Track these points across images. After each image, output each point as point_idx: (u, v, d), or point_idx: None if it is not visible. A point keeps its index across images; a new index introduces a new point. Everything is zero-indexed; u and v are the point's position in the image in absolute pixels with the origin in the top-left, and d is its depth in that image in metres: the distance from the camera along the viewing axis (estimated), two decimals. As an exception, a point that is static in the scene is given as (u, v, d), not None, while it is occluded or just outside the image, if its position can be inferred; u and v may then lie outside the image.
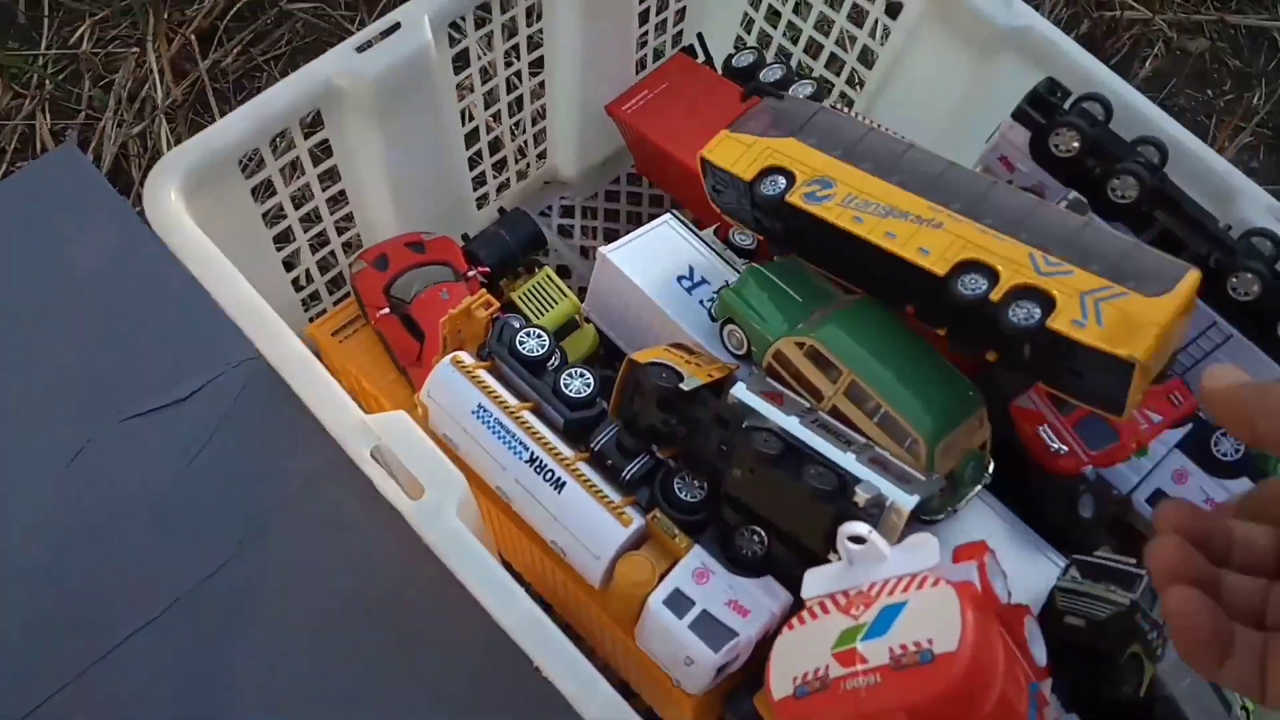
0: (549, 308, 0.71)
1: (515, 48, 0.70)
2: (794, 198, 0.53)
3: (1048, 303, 0.47)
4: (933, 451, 0.50)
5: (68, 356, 0.70)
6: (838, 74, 0.80)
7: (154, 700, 0.62)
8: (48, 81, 0.82)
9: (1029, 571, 0.54)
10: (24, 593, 0.63)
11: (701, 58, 0.80)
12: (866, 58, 0.77)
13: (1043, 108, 0.60)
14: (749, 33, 0.84)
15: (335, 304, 0.72)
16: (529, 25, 0.70)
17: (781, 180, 0.55)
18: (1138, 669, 0.50)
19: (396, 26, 0.60)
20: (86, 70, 0.83)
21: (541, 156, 0.83)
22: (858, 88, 0.79)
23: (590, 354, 0.68)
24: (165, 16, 0.85)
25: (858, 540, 0.44)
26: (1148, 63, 1.01)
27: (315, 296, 0.71)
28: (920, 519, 0.50)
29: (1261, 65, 1.06)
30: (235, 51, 0.84)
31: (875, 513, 0.49)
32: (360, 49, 0.59)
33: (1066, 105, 0.62)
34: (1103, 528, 0.56)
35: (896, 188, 0.53)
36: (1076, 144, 0.59)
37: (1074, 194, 0.61)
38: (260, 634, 0.64)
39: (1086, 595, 0.52)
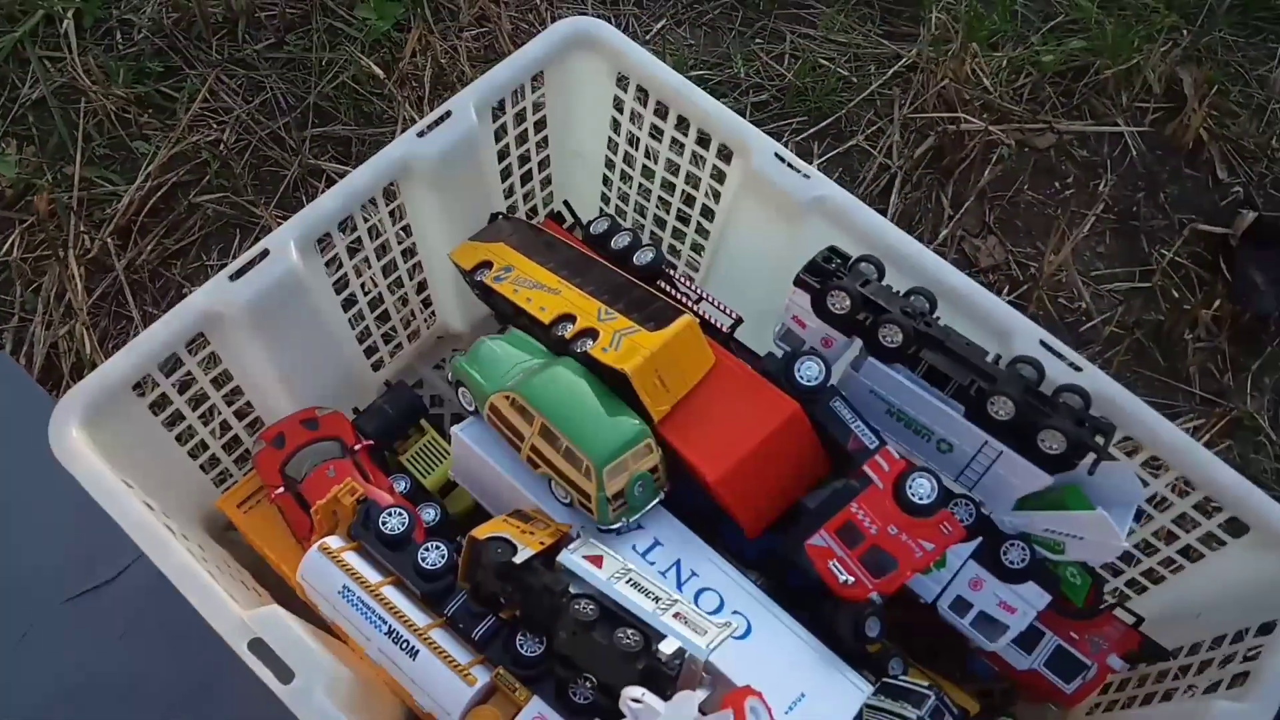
0: (434, 467, 0.81)
1: (385, 245, 0.80)
2: (487, 279, 0.75)
3: (596, 336, 0.66)
4: (600, 472, 0.62)
5: (10, 553, 0.79)
6: (682, 241, 0.89)
7: None
8: (-16, 289, 0.93)
9: (836, 690, 0.63)
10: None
11: (569, 221, 0.90)
12: (704, 227, 0.87)
13: (819, 273, 0.70)
14: (608, 203, 0.93)
15: (245, 474, 0.81)
16: (394, 222, 0.80)
17: (486, 269, 0.75)
18: (925, 780, 0.59)
19: (265, 254, 0.70)
20: (18, 276, 0.93)
21: (431, 315, 0.92)
22: (706, 239, 0.89)
23: (472, 508, 0.77)
24: (87, 215, 0.95)
25: (636, 700, 0.52)
26: (986, 166, 1.11)
27: (226, 474, 0.81)
28: (600, 529, 0.65)
29: (1105, 153, 1.16)
30: (150, 245, 0.94)
31: (677, 663, 0.58)
32: (233, 278, 0.69)
33: (849, 264, 0.72)
34: (887, 644, 0.65)
35: (545, 269, 0.74)
36: (848, 303, 0.69)
37: (856, 341, 0.70)
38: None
39: (885, 711, 0.61)
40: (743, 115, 0.79)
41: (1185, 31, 1.20)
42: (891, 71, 1.16)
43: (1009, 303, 0.97)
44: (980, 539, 0.70)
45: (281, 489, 0.75)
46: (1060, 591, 0.72)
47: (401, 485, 0.77)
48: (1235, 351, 1.04)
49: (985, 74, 1.13)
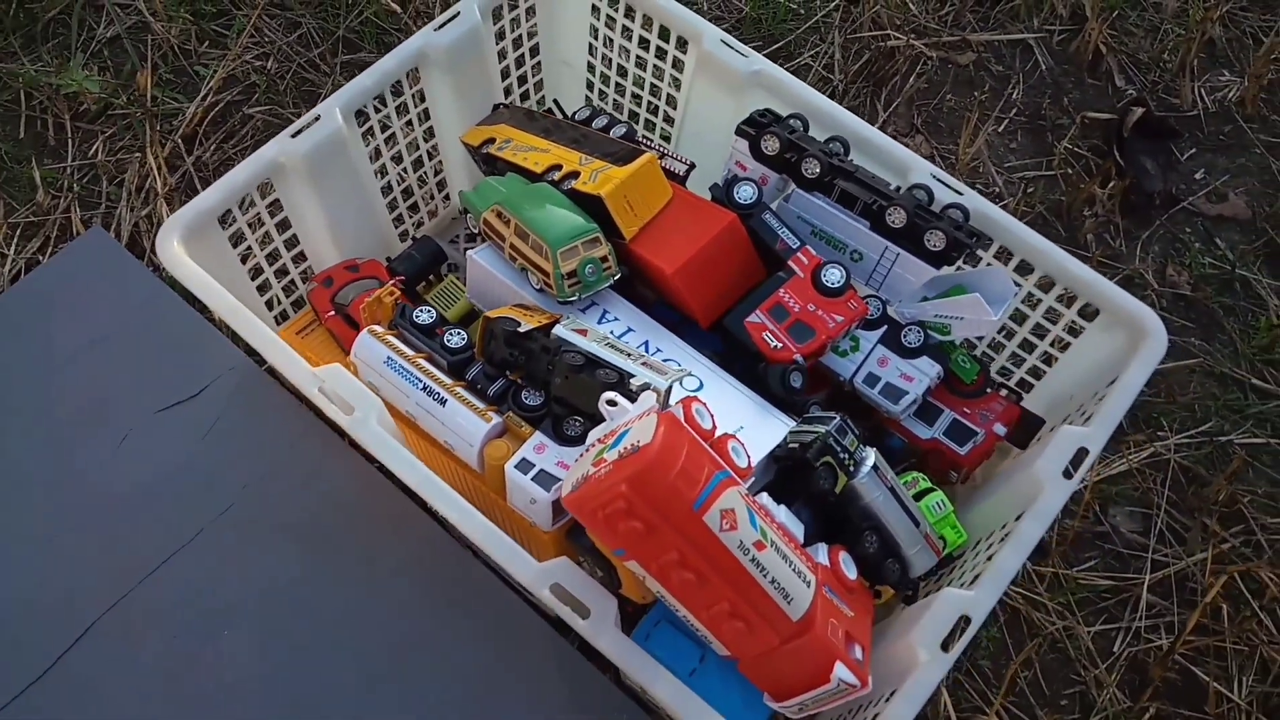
0: (453, 303, 0.99)
1: (410, 123, 0.99)
2: (491, 150, 0.94)
3: (576, 176, 0.85)
4: (555, 254, 0.80)
5: (111, 376, 0.97)
6: (653, 131, 1.08)
7: (205, 597, 0.88)
8: (75, 185, 1.11)
9: (767, 424, 0.81)
10: (92, 523, 0.90)
11: (560, 116, 1.08)
12: (670, 115, 1.06)
13: (755, 125, 0.89)
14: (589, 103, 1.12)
15: (300, 313, 1.00)
16: (416, 105, 0.98)
17: (490, 144, 0.94)
18: (831, 474, 0.76)
19: (318, 118, 0.89)
20: (104, 173, 1.12)
21: (445, 198, 1.11)
22: (672, 125, 1.08)
23: (482, 332, 0.96)
24: (157, 128, 1.14)
25: (611, 403, 0.71)
26: (914, 78, 1.30)
27: (285, 315, 0.99)
28: (559, 302, 0.83)
29: (1018, 66, 1.35)
30: (212, 148, 1.14)
31: (653, 391, 0.76)
32: (293, 135, 0.88)
33: (782, 120, 0.90)
34: (806, 392, 0.83)
35: (540, 138, 0.93)
36: (777, 145, 0.87)
37: (783, 176, 0.89)
38: (257, 551, 0.90)
39: (802, 432, 0.79)
40: None
41: (1087, -37, 1.39)
42: (835, 3, 1.35)
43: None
44: (885, 326, 0.88)
45: (333, 313, 0.94)
46: (952, 371, 0.90)
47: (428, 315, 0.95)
48: (1127, 224, 1.22)
49: (911, 2, 1.32)
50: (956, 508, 0.88)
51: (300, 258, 0.98)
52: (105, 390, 0.97)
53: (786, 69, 0.99)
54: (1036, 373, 0.96)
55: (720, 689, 0.76)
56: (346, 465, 0.90)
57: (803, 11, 1.34)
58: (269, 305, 0.97)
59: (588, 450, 0.70)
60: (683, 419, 0.69)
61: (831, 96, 1.27)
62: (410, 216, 1.07)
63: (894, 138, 0.95)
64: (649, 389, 0.75)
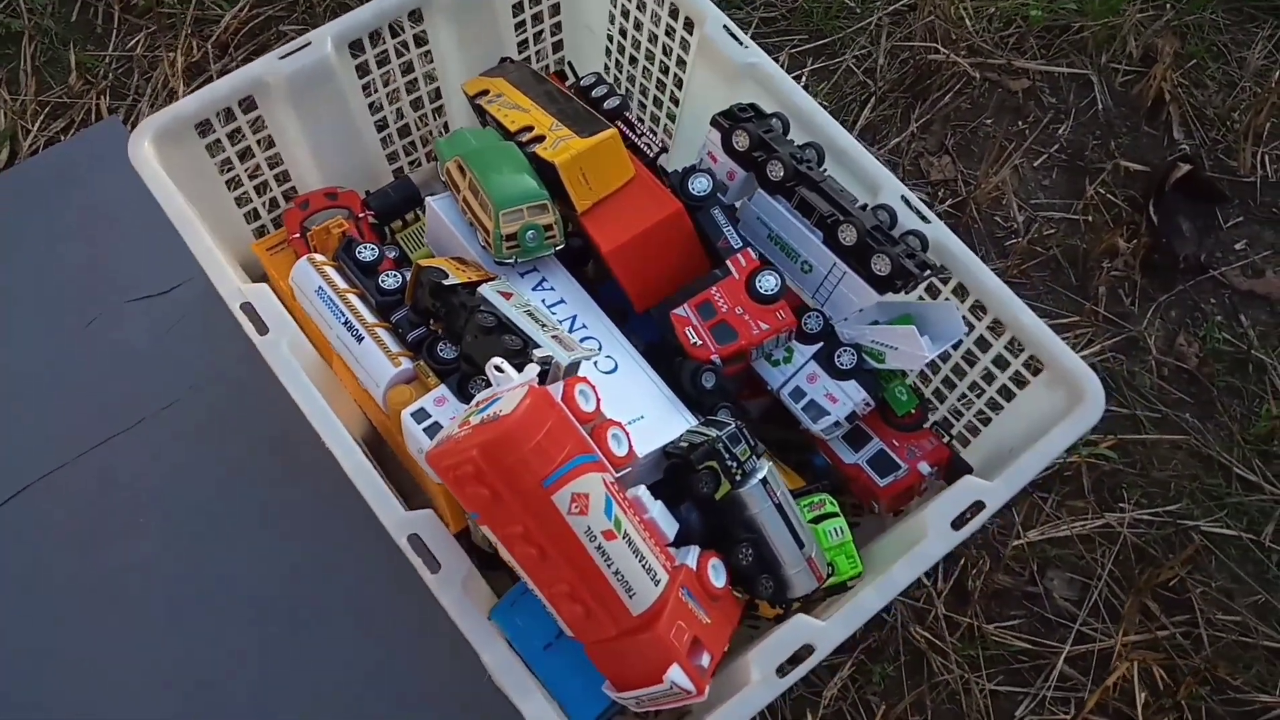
0: (420, 246, 1.01)
1: (410, 63, 1.00)
2: (482, 101, 0.94)
3: (542, 141, 0.85)
4: (498, 214, 0.81)
5: (93, 260, 1.02)
6: (660, 109, 1.08)
7: (133, 483, 0.93)
8: (110, 75, 1.17)
9: (669, 420, 0.80)
10: (42, 394, 0.95)
11: (571, 80, 1.08)
12: (676, 96, 1.05)
13: (730, 118, 0.87)
14: (608, 73, 1.12)
15: (277, 231, 1.03)
16: (419, 45, 1.00)
17: (484, 95, 0.95)
18: (713, 479, 0.76)
19: (308, 44, 0.91)
20: (137, 67, 1.17)
21: (448, 142, 1.12)
22: (677, 106, 1.07)
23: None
24: (195, 32, 1.18)
25: (498, 369, 0.71)
26: (955, 96, 1.25)
27: (264, 229, 1.03)
28: (495, 262, 0.84)
29: (1072, 101, 1.29)
30: (241, 58, 1.17)
31: (547, 366, 0.76)
32: (282, 57, 0.90)
33: (762, 117, 0.89)
34: (720, 396, 0.82)
35: (526, 97, 0.93)
36: (747, 142, 0.86)
37: (748, 174, 0.88)
38: (190, 448, 0.95)
39: (696, 433, 0.79)
40: (748, 27, 0.96)
41: (1170, 6, 1.31)
42: (892, 8, 1.31)
43: (944, 210, 1.13)
44: (822, 344, 0.86)
45: (298, 235, 0.96)
46: (885, 401, 0.88)
47: (392, 253, 0.97)
48: (1146, 284, 1.17)
49: (970, 18, 1.27)
50: (867, 540, 0.86)
51: (285, 177, 1.00)
52: (85, 272, 1.02)
53: (825, 67, 0.97)
54: (985, 419, 0.93)
55: (570, 668, 0.76)
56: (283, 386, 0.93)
57: (858, 10, 1.31)
58: (255, 217, 1.00)
59: (464, 411, 0.71)
60: (561, 397, 0.69)
61: (865, 103, 1.24)
62: (408, 154, 1.09)
63: (919, 154, 0.92)
64: (547, 362, 0.75)
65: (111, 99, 1.16)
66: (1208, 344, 1.13)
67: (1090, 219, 1.19)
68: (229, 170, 0.95)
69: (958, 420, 0.95)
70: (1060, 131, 1.25)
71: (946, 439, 0.90)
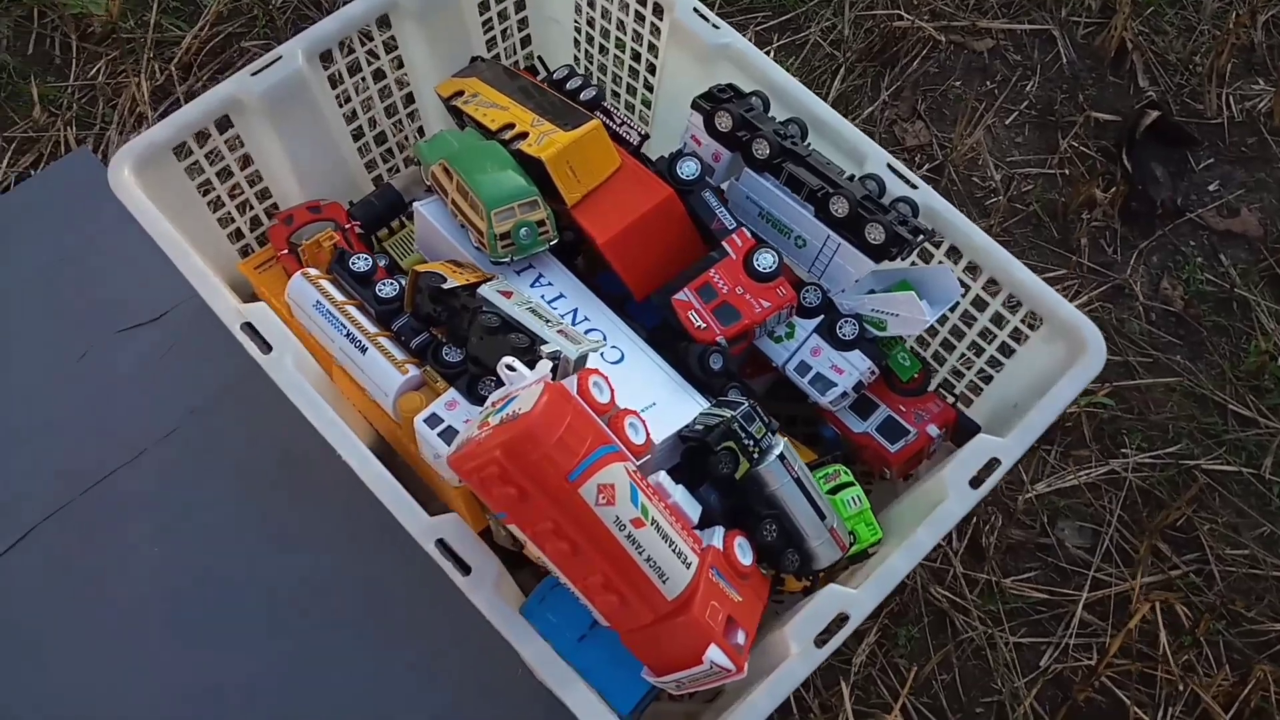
0: (408, 253, 1.00)
1: (381, 70, 1.00)
2: (457, 102, 0.93)
3: (525, 137, 0.85)
4: (490, 214, 0.81)
5: (79, 292, 1.01)
6: (635, 96, 1.07)
7: (140, 515, 0.92)
8: (74, 104, 1.15)
9: (681, 404, 0.81)
10: (40, 432, 0.94)
11: (542, 74, 1.08)
12: (649, 82, 1.04)
13: (712, 100, 0.87)
14: (579, 65, 1.12)
15: (263, 248, 1.02)
16: (389, 51, 0.99)
17: (459, 96, 0.93)
18: (732, 459, 0.76)
19: (279, 59, 0.90)
20: (101, 95, 1.15)
21: (425, 147, 1.11)
22: (652, 93, 1.06)
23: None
24: (156, 55, 1.17)
25: (510, 368, 0.71)
26: (923, 61, 1.26)
27: (249, 248, 1.01)
28: (491, 262, 0.84)
29: (1037, 57, 1.30)
30: (205, 78, 1.16)
31: (556, 361, 0.76)
32: (253, 74, 0.89)
33: (742, 97, 0.89)
34: (729, 377, 0.82)
35: (503, 94, 0.92)
36: (729, 122, 0.86)
37: (734, 153, 0.88)
38: (194, 475, 0.94)
39: (710, 414, 0.79)
40: (712, 6, 0.96)
41: (1125, -45, 1.33)
42: (853, -22, 1.32)
43: (923, 175, 1.14)
44: (823, 316, 0.87)
45: (286, 251, 0.95)
46: (890, 368, 0.89)
47: (383, 262, 0.96)
48: (1126, 232, 1.18)
49: (931, -20, 1.28)
50: (887, 506, 0.87)
51: (266, 194, 0.99)
52: (72, 305, 1.01)
53: (791, 41, 0.97)
54: (986, 378, 0.94)
55: (607, 657, 0.77)
56: (287, 402, 0.92)
57: (818, -17, 1.31)
58: (239, 236, 0.99)
59: (481, 412, 0.71)
60: (576, 391, 0.69)
61: (835, 74, 1.25)
62: (385, 161, 1.08)
63: (893, 121, 0.92)
64: (556, 357, 0.75)
65: (78, 129, 1.14)
66: (1191, 286, 1.15)
67: (1066, 172, 1.20)
68: (209, 191, 0.94)
69: (958, 381, 0.96)
70: (1028, 88, 1.27)
71: (951, 400, 0.91)
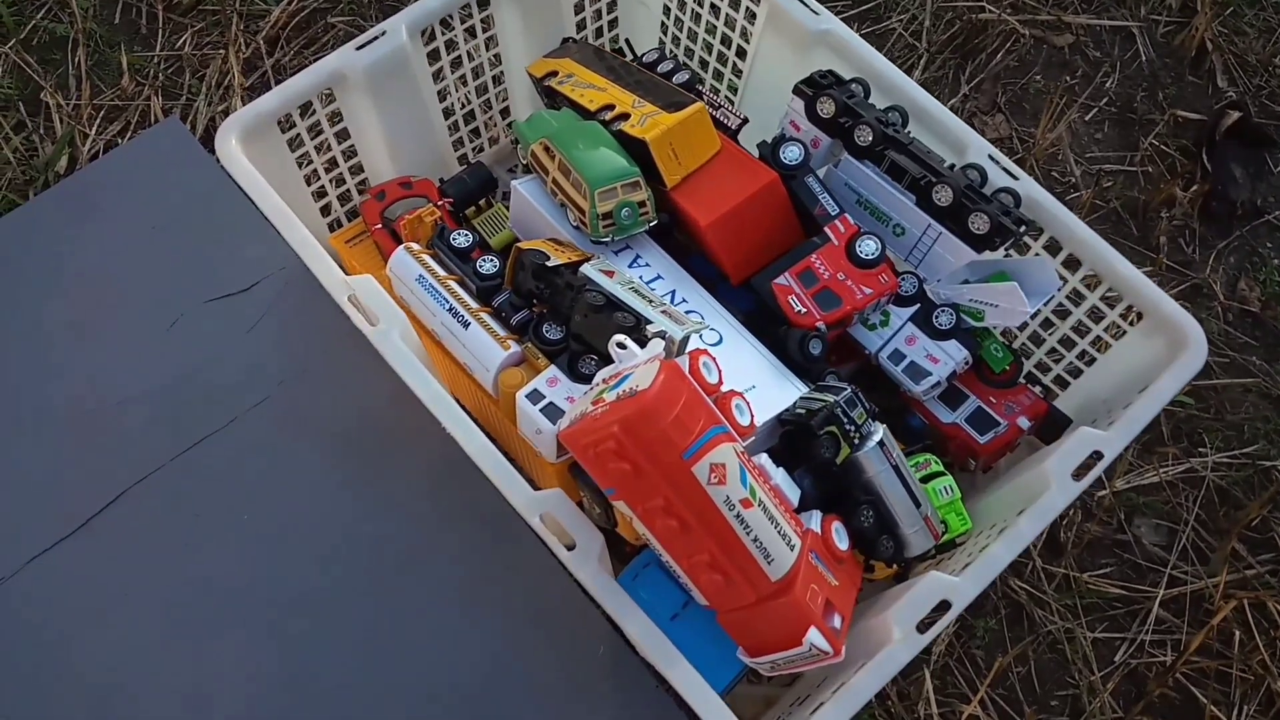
0: (498, 230, 1.01)
1: (476, 48, 1.00)
2: (553, 83, 0.94)
3: (627, 118, 0.85)
4: (593, 194, 0.81)
5: (169, 261, 1.02)
6: (721, 81, 1.07)
7: (230, 482, 0.93)
8: (160, 74, 1.16)
9: (780, 388, 0.81)
10: (131, 399, 0.95)
11: (630, 56, 1.08)
12: (738, 67, 1.05)
13: (813, 86, 0.87)
14: (662, 46, 1.12)
15: (352, 223, 1.03)
16: (485, 30, 0.99)
17: (553, 77, 0.94)
18: (834, 444, 0.76)
19: (383, 33, 0.90)
20: (188, 66, 1.16)
21: (510, 126, 1.12)
22: (740, 78, 1.07)
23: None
24: (244, 28, 1.17)
25: (621, 345, 0.72)
26: (1004, 54, 1.26)
27: (338, 222, 1.02)
28: (592, 241, 0.84)
29: (1116, 54, 1.29)
30: (292, 52, 1.17)
31: (664, 340, 0.77)
32: (359, 48, 0.90)
33: (842, 84, 0.89)
34: (828, 363, 0.83)
35: (598, 75, 0.92)
36: (832, 109, 0.86)
37: (834, 140, 0.88)
38: (285, 445, 0.94)
39: (811, 399, 0.79)
40: None
41: (1208, -46, 1.32)
42: (934, -31, 1.31)
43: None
44: (919, 305, 0.87)
45: (380, 226, 0.96)
46: (982, 359, 0.89)
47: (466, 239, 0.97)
48: (1205, 231, 1.18)
49: (1013, -27, 1.28)
50: (970, 496, 0.87)
51: (358, 169, 1.00)
52: (163, 274, 1.02)
53: (871, 32, 0.97)
54: (1075, 371, 0.94)
55: (698, 636, 0.77)
56: (379, 375, 0.93)
57: (899, -26, 1.31)
58: (326, 211, 1.00)
59: (592, 389, 0.72)
60: (687, 370, 0.70)
61: (915, 65, 1.24)
62: (471, 141, 1.09)
63: (973, 114, 0.92)
64: (663, 336, 0.76)
65: (164, 99, 1.15)
66: (1268, 287, 1.15)
67: (1148, 170, 1.20)
68: (306, 164, 0.95)
69: (1045, 375, 0.96)
70: (1108, 85, 1.26)
71: (1041, 393, 0.91)
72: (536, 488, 0.74)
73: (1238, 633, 0.96)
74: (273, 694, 0.85)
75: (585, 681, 0.87)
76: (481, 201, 1.03)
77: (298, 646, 0.86)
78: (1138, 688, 0.95)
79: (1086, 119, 1.23)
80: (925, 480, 0.84)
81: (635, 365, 0.70)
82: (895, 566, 0.82)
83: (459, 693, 0.85)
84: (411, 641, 0.86)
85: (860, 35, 1.15)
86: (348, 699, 0.85)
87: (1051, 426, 0.90)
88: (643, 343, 0.73)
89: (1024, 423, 0.88)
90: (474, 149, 1.10)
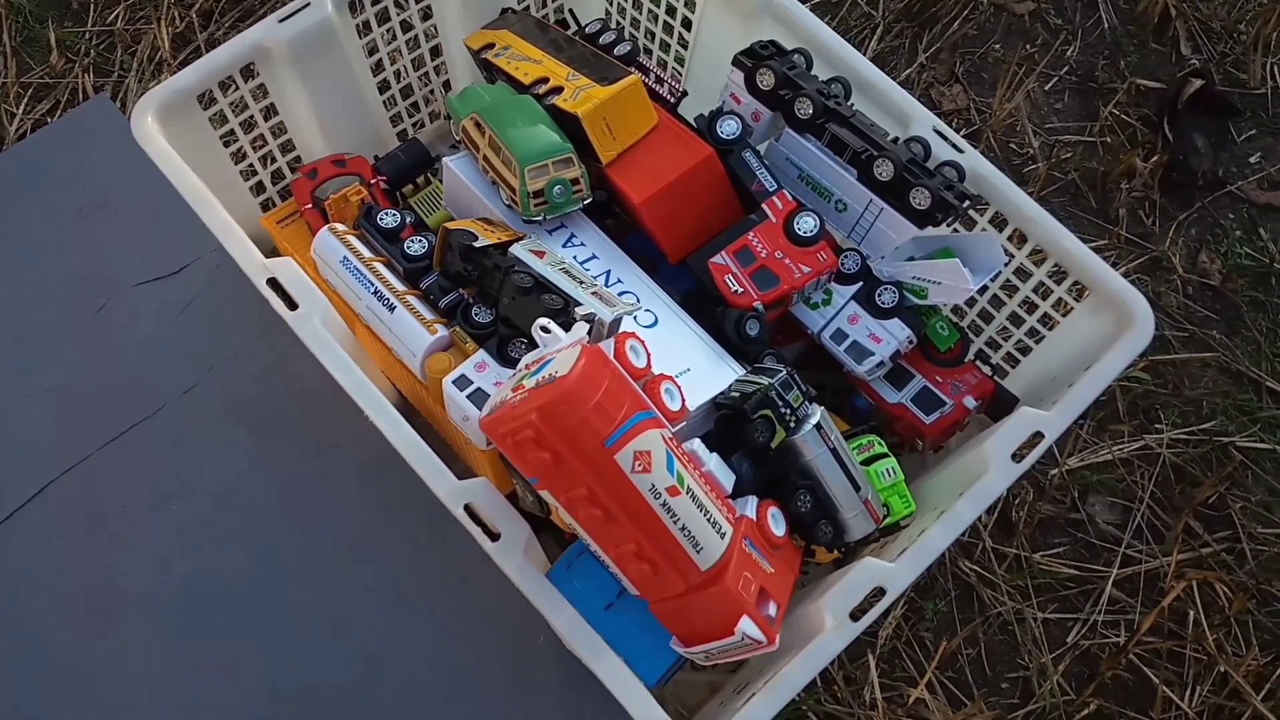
0: (434, 210, 0.98)
1: (410, 18, 0.97)
2: (488, 55, 0.91)
3: (560, 92, 0.81)
4: (523, 171, 0.78)
5: (96, 244, 0.99)
6: (668, 53, 1.04)
7: (158, 471, 0.91)
8: (92, 51, 1.12)
9: (716, 370, 0.79)
10: (57, 386, 0.92)
11: (574, 28, 1.05)
12: (684, 38, 1.01)
13: (753, 57, 0.84)
14: (610, 20, 1.08)
15: (285, 202, 1.00)
16: (417, 2, 0.96)
17: (490, 49, 0.91)
18: (768, 428, 0.74)
19: (307, 4, 0.87)
20: (120, 42, 1.12)
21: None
22: (686, 49, 1.03)
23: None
24: (176, 1, 1.14)
25: (545, 329, 0.69)
26: (962, 23, 1.23)
27: (271, 202, 0.99)
28: (523, 220, 0.81)
29: (1078, 22, 1.27)
30: (227, 25, 1.13)
31: (589, 323, 0.74)
32: (281, 20, 0.86)
33: (784, 55, 0.86)
34: (765, 344, 0.80)
35: (535, 48, 0.89)
36: (772, 80, 0.83)
37: (775, 113, 0.85)
38: (215, 432, 0.92)
39: (747, 381, 0.77)
40: None
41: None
42: (891, -64, 1.28)
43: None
44: (862, 283, 0.85)
45: (310, 206, 0.93)
46: (928, 338, 0.87)
47: (410, 218, 0.94)
48: (1165, 203, 1.16)
49: (971, -60, 1.25)
50: (921, 476, 0.85)
51: (289, 146, 0.97)
52: (89, 258, 0.99)
53: (830, 2, 0.94)
54: (1025, 349, 0.92)
55: (633, 626, 0.76)
56: (309, 359, 0.90)
57: (855, -59, 1.27)
58: (260, 190, 0.97)
59: (514, 375, 0.69)
60: (613, 354, 0.67)
61: (871, 35, 1.21)
62: (410, 116, 1.05)
63: (930, 84, 0.90)
64: (590, 320, 0.73)
65: (96, 76, 1.11)
66: (1230, 260, 1.13)
67: (1107, 140, 1.17)
68: (231, 142, 0.92)
69: (994, 352, 0.94)
70: (1069, 53, 1.23)
71: (988, 372, 0.89)
72: (473, 475, 0.72)
73: (1191, 612, 0.95)
74: (197, 682, 0.83)
75: (526, 671, 0.86)
76: (420, 179, 1.00)
77: (225, 636, 0.84)
78: (1090, 669, 0.94)
79: (1046, 88, 1.20)
80: (868, 463, 0.82)
81: (557, 350, 0.67)
82: (836, 551, 0.81)
83: (398, 684, 0.83)
84: (347, 630, 0.85)
85: (815, 4, 1.12)
86: (264, 691, 0.83)
87: (999, 405, 0.88)
88: (568, 326, 0.71)
89: (970, 402, 0.86)
90: (414, 124, 1.06)
